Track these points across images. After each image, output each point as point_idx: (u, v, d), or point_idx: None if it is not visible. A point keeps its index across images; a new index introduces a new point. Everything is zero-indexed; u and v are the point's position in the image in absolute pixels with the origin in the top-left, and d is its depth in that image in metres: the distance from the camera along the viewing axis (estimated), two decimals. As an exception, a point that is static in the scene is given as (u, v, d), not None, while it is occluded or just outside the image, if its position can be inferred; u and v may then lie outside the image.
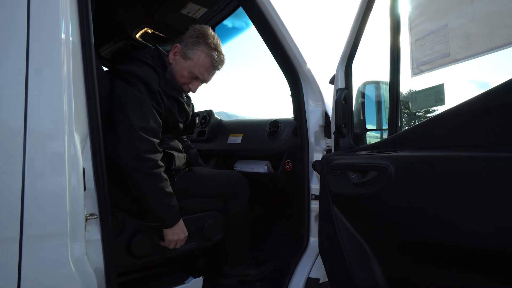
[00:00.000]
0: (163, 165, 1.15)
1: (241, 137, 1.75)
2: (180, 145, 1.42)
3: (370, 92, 1.43)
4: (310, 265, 1.41)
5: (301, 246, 1.46)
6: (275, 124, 1.60)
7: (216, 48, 1.29)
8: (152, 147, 1.11)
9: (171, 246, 1.19)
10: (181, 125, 1.37)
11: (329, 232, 1.14)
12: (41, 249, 0.71)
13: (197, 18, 1.67)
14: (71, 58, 0.77)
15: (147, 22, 1.75)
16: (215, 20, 1.71)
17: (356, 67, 1.34)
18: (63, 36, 0.76)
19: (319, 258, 1.35)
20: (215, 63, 1.30)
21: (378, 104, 1.42)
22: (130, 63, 1.22)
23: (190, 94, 1.46)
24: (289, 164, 1.54)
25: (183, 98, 1.36)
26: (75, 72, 0.78)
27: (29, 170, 0.69)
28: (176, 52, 1.29)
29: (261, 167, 1.62)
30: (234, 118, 2.27)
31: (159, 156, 1.14)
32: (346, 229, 1.08)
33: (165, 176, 1.15)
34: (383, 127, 1.38)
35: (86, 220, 0.80)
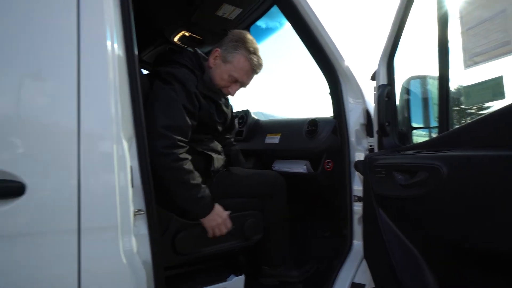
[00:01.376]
0: (187, 157, 1.14)
1: (278, 137, 1.74)
2: (219, 147, 1.44)
3: (416, 87, 1.35)
4: (354, 269, 1.36)
5: (344, 249, 1.41)
6: (313, 123, 1.57)
7: (255, 52, 1.31)
8: (171, 143, 1.10)
9: (216, 233, 1.20)
10: (219, 127, 1.40)
11: (375, 236, 1.09)
12: (97, 241, 0.76)
13: (232, 18, 1.68)
14: (116, 63, 0.81)
15: (184, 25, 1.80)
16: (250, 19, 1.71)
17: (399, 61, 1.27)
18: (109, 42, 0.80)
19: (364, 262, 1.29)
20: (254, 66, 1.32)
21: (425, 100, 1.34)
22: (170, 65, 1.27)
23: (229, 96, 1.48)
24: (329, 164, 1.50)
25: (220, 100, 1.38)
26: (120, 76, 0.82)
27: (83, 168, 0.74)
28: (216, 56, 1.32)
29: (300, 167, 1.60)
30: (271, 118, 2.27)
31: (181, 150, 1.13)
32: (393, 233, 1.02)
33: (189, 168, 1.14)
34: (431, 125, 1.30)
35: (134, 215, 0.84)
